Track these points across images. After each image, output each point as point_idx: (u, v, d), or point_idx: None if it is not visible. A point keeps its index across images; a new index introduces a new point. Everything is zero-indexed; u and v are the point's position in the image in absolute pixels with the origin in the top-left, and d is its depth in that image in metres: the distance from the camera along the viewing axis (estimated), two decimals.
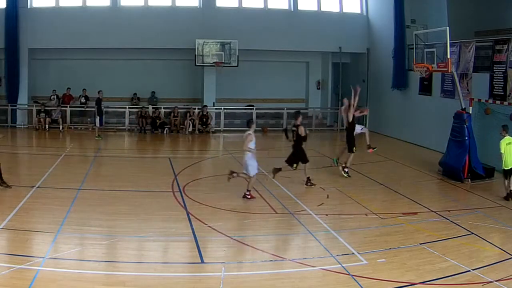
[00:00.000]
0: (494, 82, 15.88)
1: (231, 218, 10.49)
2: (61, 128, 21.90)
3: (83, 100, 22.95)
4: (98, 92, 20.39)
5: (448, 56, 14.12)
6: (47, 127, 21.88)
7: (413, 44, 16.45)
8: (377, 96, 24.13)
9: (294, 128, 13.10)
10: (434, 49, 15.33)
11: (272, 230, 9.94)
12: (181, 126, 22.77)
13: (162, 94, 24.79)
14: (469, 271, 7.95)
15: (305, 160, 13.10)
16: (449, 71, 14.58)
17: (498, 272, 7.91)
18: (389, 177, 14.49)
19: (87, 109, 22.73)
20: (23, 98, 22.48)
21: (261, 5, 24.33)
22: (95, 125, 20.38)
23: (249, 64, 24.32)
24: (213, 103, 24.06)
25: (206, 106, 23.13)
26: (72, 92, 23.04)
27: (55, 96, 22.98)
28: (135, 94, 24.63)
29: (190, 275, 7.90)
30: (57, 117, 22.16)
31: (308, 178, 13.22)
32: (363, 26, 24.89)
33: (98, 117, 20.11)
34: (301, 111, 25.87)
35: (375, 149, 15.02)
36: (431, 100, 19.54)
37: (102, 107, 20.46)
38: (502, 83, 15.54)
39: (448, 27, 14.29)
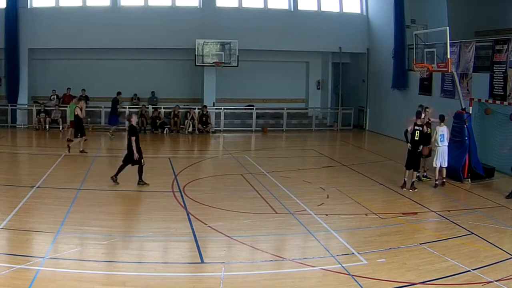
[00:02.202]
0: (494, 82, 15.88)
1: (231, 218, 10.48)
2: (61, 128, 21.90)
3: None
4: (117, 94, 21.15)
5: (448, 56, 14.11)
6: (47, 127, 21.90)
7: (413, 44, 16.44)
8: (377, 96, 24.14)
9: (417, 128, 12.96)
10: (434, 49, 15.33)
11: (272, 230, 9.92)
12: (181, 126, 22.77)
13: (162, 94, 24.78)
14: (469, 271, 7.95)
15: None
16: (449, 71, 14.58)
17: (498, 272, 7.92)
18: (389, 177, 14.48)
19: (87, 109, 22.69)
20: (23, 98, 22.48)
21: (261, 5, 24.34)
22: (109, 125, 20.90)
23: (249, 64, 24.29)
24: (213, 103, 24.06)
25: (206, 106, 23.13)
26: (72, 92, 23.02)
27: (55, 96, 23.01)
28: (135, 94, 24.61)
29: (190, 275, 7.90)
30: (57, 117, 22.17)
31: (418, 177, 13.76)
32: (363, 26, 24.90)
33: (119, 117, 20.66)
34: (301, 111, 26.51)
35: None
36: (431, 100, 19.51)
37: (118, 108, 20.97)
38: (502, 83, 15.54)
39: (448, 27, 14.28)
